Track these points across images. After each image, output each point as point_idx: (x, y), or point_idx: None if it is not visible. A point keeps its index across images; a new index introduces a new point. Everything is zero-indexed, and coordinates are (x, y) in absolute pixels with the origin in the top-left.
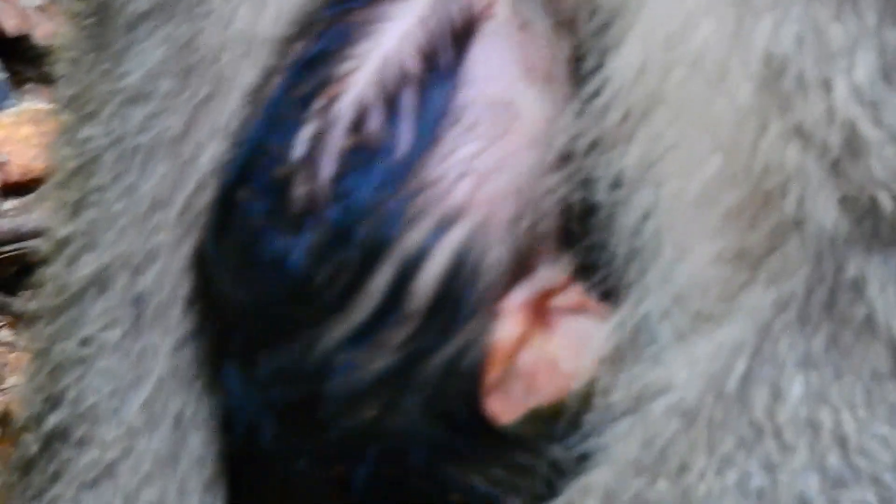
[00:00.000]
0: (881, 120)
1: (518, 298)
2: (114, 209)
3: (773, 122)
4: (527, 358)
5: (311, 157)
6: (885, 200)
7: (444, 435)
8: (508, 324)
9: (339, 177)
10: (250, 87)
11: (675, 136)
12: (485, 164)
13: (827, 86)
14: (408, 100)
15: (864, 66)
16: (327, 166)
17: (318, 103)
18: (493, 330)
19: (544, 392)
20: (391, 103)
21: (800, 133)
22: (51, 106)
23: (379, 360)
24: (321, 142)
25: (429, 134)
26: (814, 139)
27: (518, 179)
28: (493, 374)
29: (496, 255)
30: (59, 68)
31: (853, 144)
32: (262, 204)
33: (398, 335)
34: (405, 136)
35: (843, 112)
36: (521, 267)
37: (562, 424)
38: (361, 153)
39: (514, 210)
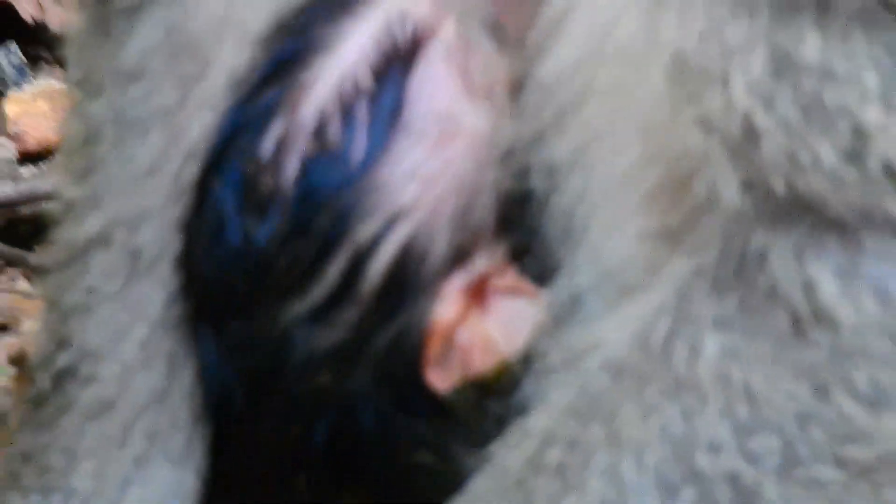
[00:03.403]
0: (774, 111)
1: (457, 283)
2: (115, 174)
3: (683, 111)
4: (463, 334)
5: (277, 157)
6: (778, 184)
7: (391, 399)
8: (447, 305)
9: (302, 176)
10: (232, 69)
11: (603, 126)
12: (429, 170)
13: (726, 79)
14: (362, 111)
15: (758, 63)
16: (291, 166)
17: (283, 108)
18: (433, 310)
19: (479, 364)
20: (348, 114)
21: (705, 122)
22: (63, 85)
23: (333, 335)
24: (286, 144)
25: (380, 142)
26: (717, 127)
27: (459, 181)
28: (433, 349)
29: (438, 246)
30: (70, 52)
31: (750, 133)
32: (231, 194)
33: (351, 314)
34: (359, 144)
35: (741, 104)
36: (460, 256)
37: (498, 390)
38: (322, 157)
39: (455, 208)
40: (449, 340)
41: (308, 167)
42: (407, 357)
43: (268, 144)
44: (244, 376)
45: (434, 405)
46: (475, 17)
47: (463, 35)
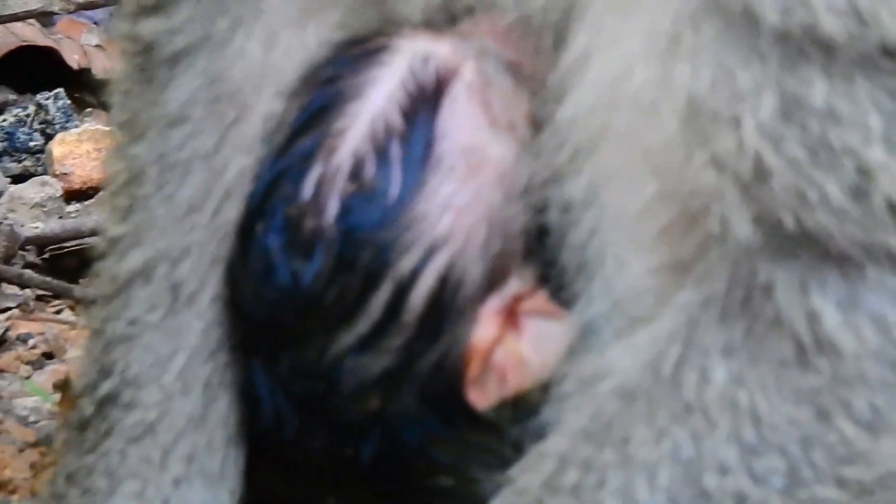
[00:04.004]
0: (782, 152)
1: (492, 306)
2: (156, 213)
3: (695, 152)
4: (500, 355)
5: (318, 199)
6: (787, 219)
7: (435, 418)
8: (485, 328)
9: (343, 215)
10: (268, 115)
11: (617, 166)
12: (461, 200)
13: (737, 122)
14: (395, 150)
15: (768, 106)
16: (332, 207)
17: (319, 154)
18: (472, 333)
19: (513, 383)
20: (382, 154)
21: (717, 162)
22: (108, 127)
23: (380, 362)
24: (325, 186)
25: (414, 178)
26: (728, 167)
27: (489, 209)
28: (472, 370)
29: (473, 272)
30: (114, 97)
31: (760, 172)
32: (276, 237)
33: (396, 341)
34: (395, 181)
35: (752, 144)
36: (493, 280)
37: (525, 409)
38: (360, 196)
39: (486, 235)
40: (487, 361)
41: (348, 207)
42: (449, 378)
43: (308, 188)
44: (297, 405)
45: (474, 423)
46: (492, 57)
47: (482, 73)
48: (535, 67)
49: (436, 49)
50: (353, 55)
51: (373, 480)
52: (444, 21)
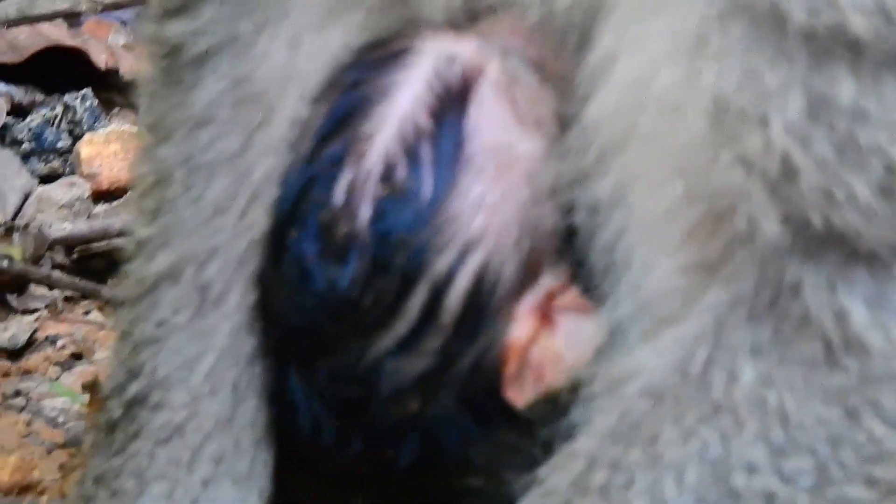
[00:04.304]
0: (810, 151)
1: (527, 304)
2: (183, 215)
3: (722, 152)
4: (536, 352)
5: (350, 204)
6: (815, 218)
7: (473, 418)
8: (520, 325)
9: (376, 218)
10: (294, 117)
11: (644, 167)
12: (493, 199)
13: (764, 121)
14: (425, 152)
15: (795, 105)
16: (365, 211)
17: (349, 158)
18: (508, 332)
19: (550, 380)
20: (412, 156)
21: (744, 161)
22: (134, 128)
23: (419, 363)
24: (357, 191)
25: (446, 178)
26: (756, 167)
27: (520, 207)
28: (510, 368)
29: (508, 270)
30: (140, 100)
31: (788, 172)
32: (310, 243)
33: (434, 343)
34: (427, 182)
35: (779, 144)
36: (527, 278)
37: (559, 406)
38: (392, 199)
39: (519, 232)
40: (524, 359)
41: (380, 210)
42: (487, 378)
43: (339, 193)
44: (335, 410)
45: (510, 422)
46: (516, 55)
47: (507, 71)
48: (558, 65)
49: (460, 49)
50: (377, 59)
51: (407, 482)
52: (466, 21)
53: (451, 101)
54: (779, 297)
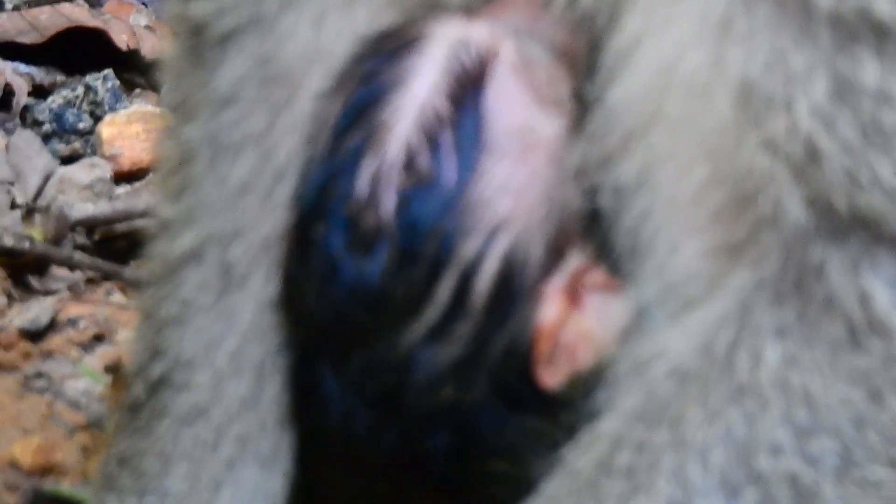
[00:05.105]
0: (835, 133)
1: (556, 284)
2: (208, 194)
3: (748, 134)
4: (567, 332)
5: (375, 195)
6: (840, 201)
7: (507, 402)
8: (550, 306)
9: (401, 208)
10: (318, 95)
11: (669, 149)
12: (518, 181)
13: (790, 104)
14: (446, 138)
15: (820, 88)
16: (389, 200)
17: (370, 149)
18: (539, 313)
19: (582, 359)
20: (433, 142)
21: (770, 144)
22: (156, 108)
23: (451, 350)
24: (381, 181)
25: (469, 163)
26: (781, 149)
27: (545, 188)
28: (542, 349)
29: (535, 252)
30: (164, 79)
31: (813, 154)
32: (338, 237)
33: (465, 328)
34: (450, 169)
35: (804, 127)
36: (554, 258)
37: (590, 386)
38: (417, 187)
39: (545, 213)
40: (555, 339)
41: (405, 199)
42: (520, 360)
43: (363, 185)
44: (369, 402)
45: (546, 402)
46: (529, 35)
47: (522, 52)
48: (573, 44)
49: (473, 32)
50: (389, 48)
51: (436, 469)
52: (483, 1)
53: (469, 85)
54: (803, 280)
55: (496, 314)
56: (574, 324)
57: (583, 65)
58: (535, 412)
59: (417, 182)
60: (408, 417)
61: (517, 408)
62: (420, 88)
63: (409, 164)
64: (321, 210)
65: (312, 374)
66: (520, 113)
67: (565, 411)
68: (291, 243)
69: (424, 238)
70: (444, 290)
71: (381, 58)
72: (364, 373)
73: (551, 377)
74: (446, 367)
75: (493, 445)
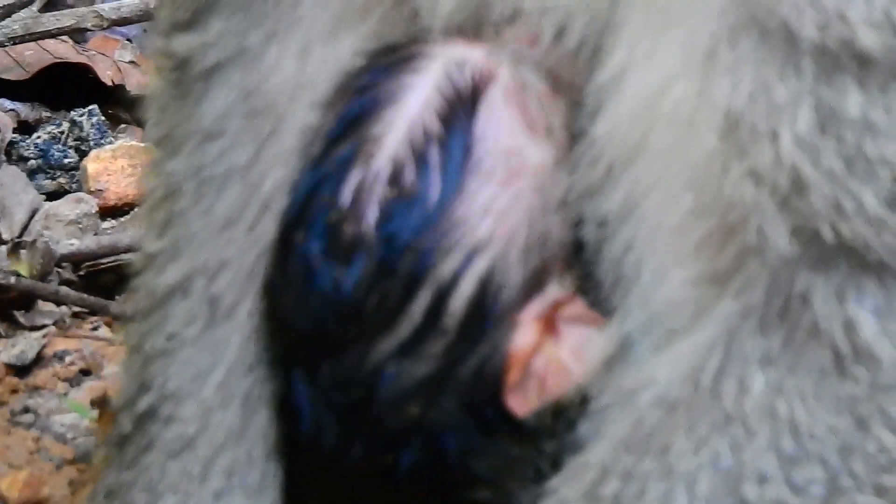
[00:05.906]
0: (819, 164)
1: (532, 312)
2: (194, 227)
3: (733, 165)
4: (540, 361)
5: (358, 206)
6: (825, 230)
7: (474, 425)
8: (524, 333)
9: (383, 220)
10: (303, 128)
11: (654, 180)
12: (501, 204)
13: (774, 135)
14: (433, 155)
15: (805, 118)
16: (372, 213)
17: (358, 160)
18: (512, 339)
19: (553, 390)
20: (420, 159)
21: (755, 175)
22: (142, 143)
23: (421, 367)
24: (365, 192)
25: (454, 182)
26: (766, 180)
27: (528, 213)
28: (512, 376)
29: (513, 277)
30: (149, 113)
31: (798, 184)
32: (317, 244)
33: (436, 347)
34: (434, 186)
35: (789, 157)
36: (533, 285)
37: (564, 418)
38: (400, 201)
39: (526, 239)
40: (527, 367)
41: (387, 212)
42: (489, 384)
43: (347, 195)
44: (338, 413)
45: (513, 431)
46: (527, 62)
47: (518, 78)
48: (570, 75)
49: (470, 54)
50: (387, 63)
51: (411, 490)
52: (474, 33)
53: (461, 106)
54: (789, 308)
55: (468, 335)
56: (547, 353)
57: (579, 96)
58: (509, 438)
59: (401, 196)
60: (375, 431)
61: (489, 432)
62: (412, 104)
63: (395, 177)
64: (303, 216)
65: (287, 381)
66: (509, 137)
67: (547, 440)
68: (275, 249)
69: (403, 252)
70: (418, 306)
71: (379, 71)
72: (333, 383)
73: (521, 405)
74: (414, 384)
75: (466, 470)
